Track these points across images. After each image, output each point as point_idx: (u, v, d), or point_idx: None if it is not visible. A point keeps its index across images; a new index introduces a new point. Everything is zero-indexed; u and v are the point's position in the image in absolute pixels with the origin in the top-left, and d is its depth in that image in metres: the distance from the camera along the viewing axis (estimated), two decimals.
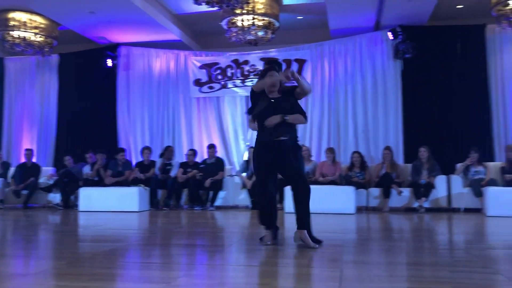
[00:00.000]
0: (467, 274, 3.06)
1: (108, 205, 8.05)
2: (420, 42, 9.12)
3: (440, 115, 9.18)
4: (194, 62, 10.42)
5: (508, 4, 7.80)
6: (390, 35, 9.30)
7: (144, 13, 8.63)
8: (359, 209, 8.02)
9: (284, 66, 4.41)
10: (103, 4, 8.30)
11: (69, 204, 9.00)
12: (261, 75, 4.32)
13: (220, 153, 10.04)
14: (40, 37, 9.18)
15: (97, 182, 8.98)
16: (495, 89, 9.15)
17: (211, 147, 9.10)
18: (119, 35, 10.09)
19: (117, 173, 8.96)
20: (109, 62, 10.36)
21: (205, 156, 9.27)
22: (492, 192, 7.07)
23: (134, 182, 8.62)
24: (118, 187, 8.50)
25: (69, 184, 9.07)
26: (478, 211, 7.59)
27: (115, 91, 10.62)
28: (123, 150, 9.31)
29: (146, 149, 9.23)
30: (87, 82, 10.66)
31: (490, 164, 8.17)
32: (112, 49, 10.51)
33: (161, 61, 10.62)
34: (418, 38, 9.12)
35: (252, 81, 10.09)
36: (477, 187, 7.63)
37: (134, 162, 9.71)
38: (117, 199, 8.13)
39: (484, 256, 3.69)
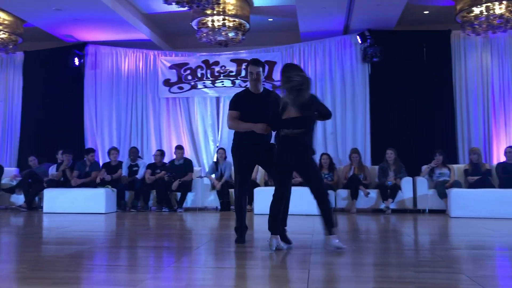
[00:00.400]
0: (431, 274, 3.13)
1: (73, 207, 7.89)
2: (387, 46, 9.28)
3: (407, 118, 9.37)
4: (164, 62, 10.32)
5: (472, 11, 8.02)
6: (358, 39, 9.44)
7: (113, 12, 8.49)
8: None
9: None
10: (70, 1, 8.11)
11: (33, 206, 8.77)
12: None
13: (189, 154, 9.98)
14: (4, 34, 8.92)
15: (63, 183, 8.77)
16: (459, 93, 9.41)
17: (180, 148, 9.02)
18: (87, 34, 9.90)
19: (84, 174, 8.78)
20: (76, 61, 10.13)
21: (174, 157, 9.18)
22: (455, 194, 7.25)
23: (101, 183, 8.47)
24: (84, 188, 8.34)
25: (33, 185, 8.84)
26: (442, 212, 7.78)
27: (82, 91, 10.40)
28: (93, 150, 9.13)
29: (113, 150, 9.08)
30: (53, 81, 10.41)
31: (454, 166, 8.38)
32: (80, 47, 10.30)
33: (129, 61, 10.47)
34: (385, 42, 9.28)
35: (222, 82, 10.06)
36: (441, 189, 7.81)
37: (101, 163, 9.54)
38: (83, 201, 7.97)
39: (448, 256, 3.78)
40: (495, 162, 8.93)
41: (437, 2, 8.81)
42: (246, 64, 4.55)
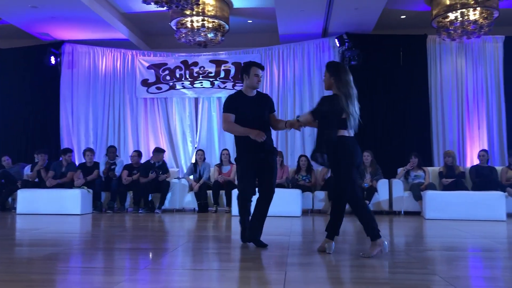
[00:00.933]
0: (405, 276, 3.18)
1: (48, 208, 7.76)
2: (365, 49, 9.40)
3: (383, 121, 9.51)
4: (142, 62, 10.23)
5: (447, 17, 8.19)
6: (337, 42, 9.53)
7: (90, 10, 8.39)
8: (305, 212, 8.16)
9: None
10: None
11: (6, 207, 8.61)
12: None
13: (167, 155, 9.92)
14: None
15: (38, 183, 8.62)
16: (435, 96, 9.58)
17: (160, 151, 8.90)
18: (64, 32, 9.75)
19: (60, 174, 8.64)
20: (53, 60, 9.98)
21: (150, 157, 9.07)
22: (430, 196, 7.38)
23: (77, 184, 8.35)
24: (59, 189, 8.20)
25: (6, 186, 8.67)
26: (417, 214, 7.90)
27: (58, 90, 10.24)
28: (70, 150, 8.97)
29: (88, 151, 8.87)
30: (28, 79, 10.24)
31: (429, 168, 8.53)
32: (56, 46, 10.14)
33: (107, 60, 10.35)
34: (363, 45, 9.39)
35: (201, 83, 10.03)
36: (416, 191, 7.93)
37: (77, 164, 9.40)
38: (58, 202, 7.85)
39: (422, 257, 3.84)
40: (468, 165, 9.12)
41: (413, 7, 8.96)
42: (244, 64, 4.45)
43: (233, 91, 9.67)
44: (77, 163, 9.40)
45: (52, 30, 9.60)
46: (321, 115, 3.91)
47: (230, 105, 4.33)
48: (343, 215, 4.02)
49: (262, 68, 4.36)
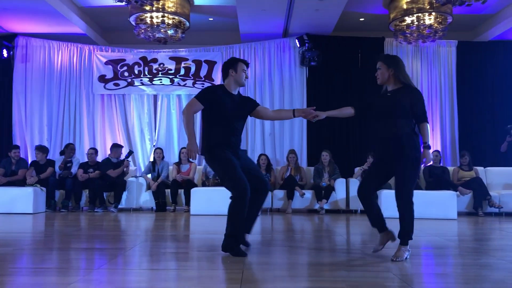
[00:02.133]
0: (361, 273, 3.24)
1: None
2: (325, 50, 9.53)
3: (341, 121, 9.64)
4: (99, 57, 10.00)
5: (404, 21, 8.41)
6: (297, 43, 9.62)
7: (45, 3, 8.12)
8: (264, 211, 8.19)
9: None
10: None
11: None
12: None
13: (124, 153, 9.73)
14: None
15: None
16: None
17: (117, 146, 8.74)
18: (17, 25, 9.40)
19: (10, 172, 8.32)
20: (5, 53, 9.61)
21: (108, 154, 8.88)
22: (385, 195, 7.54)
23: (29, 182, 8.07)
24: (10, 187, 7.90)
25: None
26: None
27: (10, 84, 9.88)
28: (16, 147, 8.64)
29: (37, 150, 8.52)
30: None
31: None
32: (9, 39, 9.77)
33: (63, 55, 10.05)
34: (323, 47, 9.53)
35: (161, 79, 9.90)
36: None
37: (29, 161, 9.09)
38: (9, 200, 7.57)
39: (377, 255, 3.92)
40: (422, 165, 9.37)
41: (372, 10, 9.15)
42: (229, 60, 4.09)
43: (193, 89, 9.76)
44: (30, 160, 9.09)
45: (4, 22, 9.24)
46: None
47: (205, 96, 3.90)
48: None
49: (247, 65, 4.10)
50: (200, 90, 4.07)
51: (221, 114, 3.89)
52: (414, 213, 3.74)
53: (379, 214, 3.92)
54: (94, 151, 8.77)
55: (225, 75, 4.05)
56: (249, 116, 4.15)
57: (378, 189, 3.96)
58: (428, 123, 3.76)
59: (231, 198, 3.77)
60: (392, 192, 7.57)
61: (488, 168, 8.83)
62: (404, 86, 3.86)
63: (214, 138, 3.88)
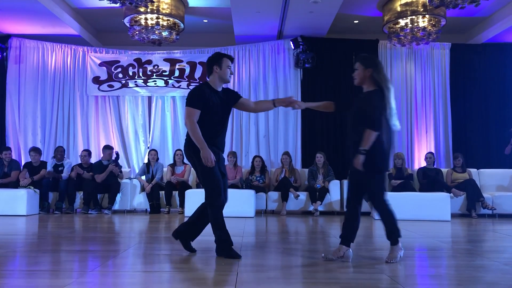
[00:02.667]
0: (355, 275, 3.24)
1: None
2: (319, 53, 9.56)
3: (335, 123, 9.69)
4: (93, 58, 9.97)
5: (398, 23, 8.45)
6: (291, 45, 9.64)
7: (39, 4, 8.09)
8: (258, 213, 8.19)
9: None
10: None
11: None
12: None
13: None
14: None
15: None
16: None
17: (108, 148, 8.71)
18: (10, 25, 9.36)
19: (3, 174, 8.28)
20: None
21: (101, 157, 8.85)
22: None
23: (23, 184, 8.03)
24: (3, 189, 7.85)
25: None
26: (367, 214, 8.08)
27: (4, 85, 9.82)
28: (8, 148, 8.58)
29: (32, 151, 8.48)
30: None
31: None
32: (2, 40, 9.73)
33: (57, 56, 10.01)
34: (317, 49, 9.55)
35: (155, 81, 9.89)
36: None
37: (23, 163, 9.04)
38: (2, 202, 7.52)
39: (371, 257, 3.93)
40: (416, 167, 9.43)
41: (366, 12, 9.18)
42: (214, 55, 3.98)
43: (187, 90, 9.73)
44: (23, 162, 9.05)
45: None
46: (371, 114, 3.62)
47: (199, 100, 3.79)
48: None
49: (232, 60, 4.03)
50: (188, 94, 3.90)
51: (210, 116, 3.83)
52: (393, 212, 3.78)
53: (357, 227, 3.84)
54: (87, 153, 8.73)
55: (209, 71, 3.97)
56: (234, 109, 4.11)
57: (361, 197, 3.88)
58: (373, 131, 3.60)
59: (205, 204, 3.85)
60: (394, 194, 7.64)
61: (482, 170, 8.87)
62: (376, 90, 3.75)
63: (206, 139, 3.79)
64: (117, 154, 8.65)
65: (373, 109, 3.62)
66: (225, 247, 3.80)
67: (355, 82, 3.90)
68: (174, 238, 4.05)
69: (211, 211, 3.80)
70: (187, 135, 3.88)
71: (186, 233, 4.02)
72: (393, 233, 3.73)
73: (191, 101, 3.81)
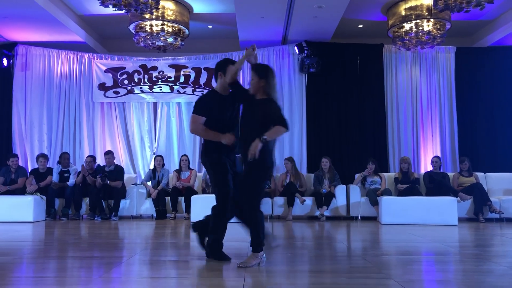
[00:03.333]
0: (362, 280, 3.23)
1: None
2: (324, 57, 9.55)
3: (341, 128, 9.67)
4: (99, 65, 10.01)
5: (402, 27, 8.44)
6: (296, 50, 9.64)
7: (45, 11, 8.14)
8: (264, 218, 8.17)
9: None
10: None
11: None
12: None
13: (124, 161, 9.75)
14: None
15: None
16: (391, 104, 9.84)
17: (108, 153, 8.71)
18: (17, 33, 9.43)
19: (10, 180, 8.32)
20: (5, 62, 9.62)
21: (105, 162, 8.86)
22: (386, 201, 7.55)
23: (29, 191, 8.06)
24: (10, 196, 7.89)
25: None
26: (374, 219, 8.06)
27: (10, 93, 9.86)
28: (15, 155, 8.63)
29: (41, 157, 8.57)
30: None
31: (385, 174, 8.72)
32: (9, 47, 9.79)
33: (63, 63, 10.07)
34: (322, 53, 9.55)
35: (160, 87, 9.92)
36: (373, 196, 8.10)
37: (30, 169, 9.08)
38: (9, 209, 7.56)
39: (378, 262, 3.92)
40: (422, 171, 9.39)
41: (370, 17, 9.18)
42: (220, 62, 4.02)
43: (193, 96, 9.77)
44: (29, 169, 9.09)
45: (4, 30, 9.27)
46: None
47: (203, 107, 3.87)
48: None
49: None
50: (196, 101, 3.99)
51: (220, 121, 3.88)
52: (263, 218, 3.80)
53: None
54: (92, 158, 8.75)
55: (216, 77, 4.01)
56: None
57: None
58: (284, 128, 3.64)
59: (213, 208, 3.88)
60: (400, 199, 7.61)
61: (488, 173, 8.82)
62: (267, 99, 3.74)
63: (213, 142, 3.86)
64: (99, 165, 8.67)
65: (280, 111, 3.72)
66: (215, 249, 3.89)
67: (251, 91, 3.85)
68: (193, 230, 4.09)
69: (213, 215, 3.90)
70: (203, 145, 4.00)
71: (203, 229, 4.02)
72: (255, 241, 3.69)
73: (197, 108, 3.91)
